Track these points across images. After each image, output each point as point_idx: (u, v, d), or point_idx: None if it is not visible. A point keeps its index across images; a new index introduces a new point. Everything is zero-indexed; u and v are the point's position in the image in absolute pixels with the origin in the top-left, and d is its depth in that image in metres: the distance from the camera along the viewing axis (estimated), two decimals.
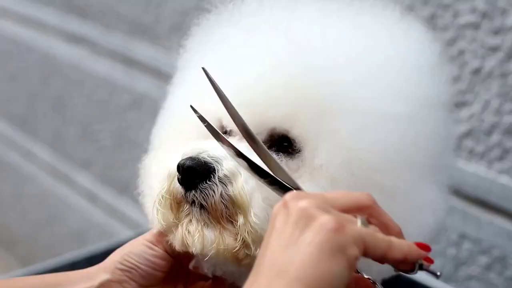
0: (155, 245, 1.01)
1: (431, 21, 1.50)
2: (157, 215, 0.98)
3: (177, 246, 0.97)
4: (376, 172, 0.94)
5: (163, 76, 2.13)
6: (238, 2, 1.05)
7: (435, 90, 1.04)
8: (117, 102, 2.44)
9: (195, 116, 1.00)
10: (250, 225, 0.91)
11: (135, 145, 2.28)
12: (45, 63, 2.79)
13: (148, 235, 1.03)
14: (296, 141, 0.96)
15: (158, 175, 1.01)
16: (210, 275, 1.02)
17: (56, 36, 2.70)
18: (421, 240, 1.00)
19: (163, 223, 0.97)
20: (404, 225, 0.96)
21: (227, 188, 0.92)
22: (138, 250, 1.01)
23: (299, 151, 0.96)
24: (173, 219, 0.97)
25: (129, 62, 2.34)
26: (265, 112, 0.95)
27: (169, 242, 0.99)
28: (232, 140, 0.97)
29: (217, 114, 0.99)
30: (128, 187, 2.47)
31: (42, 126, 2.91)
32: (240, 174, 0.92)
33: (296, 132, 0.95)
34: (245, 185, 0.92)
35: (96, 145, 2.61)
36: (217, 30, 1.05)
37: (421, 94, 1.00)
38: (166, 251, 1.01)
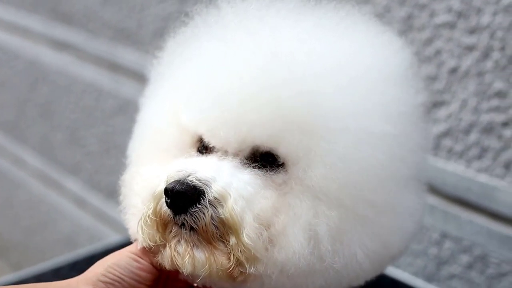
0: (140, 257, 0.99)
1: (407, 21, 1.50)
2: (143, 234, 0.96)
3: (167, 266, 0.96)
4: (366, 190, 0.94)
5: (147, 80, 2.14)
6: (214, 13, 1.04)
7: (415, 102, 1.05)
8: (103, 107, 2.44)
9: (172, 129, 0.99)
10: (243, 245, 0.91)
11: (122, 150, 2.27)
12: (32, 69, 2.79)
13: (132, 247, 1.00)
14: (281, 158, 0.95)
15: (141, 194, 1.00)
16: (200, 286, 1.01)
17: (42, 42, 2.70)
18: (403, 246, 1.03)
19: (149, 242, 0.96)
20: (391, 236, 0.99)
21: (217, 211, 0.91)
22: (123, 262, 0.98)
23: (284, 166, 0.95)
24: (159, 239, 0.95)
25: (114, 67, 2.34)
26: (250, 131, 0.93)
27: (158, 262, 0.97)
28: (214, 157, 0.97)
29: (197, 131, 0.99)
30: (116, 191, 2.45)
31: (31, 133, 2.91)
32: (230, 195, 0.91)
33: (282, 151, 0.94)
34: (235, 206, 0.90)
35: (84, 151, 2.61)
36: (194, 43, 1.03)
37: (404, 109, 1.00)
38: (152, 264, 0.99)
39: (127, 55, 2.29)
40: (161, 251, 0.96)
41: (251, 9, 1.02)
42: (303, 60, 0.94)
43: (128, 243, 1.65)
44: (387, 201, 0.97)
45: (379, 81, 0.99)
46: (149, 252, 0.98)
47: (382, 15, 1.54)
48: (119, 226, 2.45)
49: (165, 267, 0.97)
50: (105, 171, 2.52)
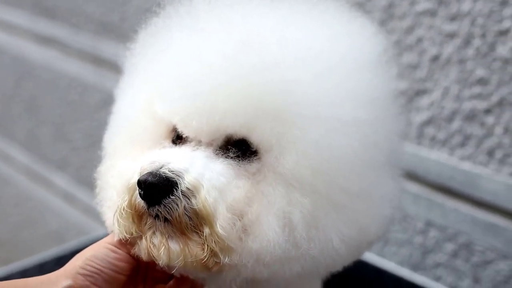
0: (118, 247, 0.99)
1: (388, 10, 1.50)
2: (119, 226, 0.96)
3: (143, 257, 0.96)
4: (340, 177, 0.94)
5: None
6: (186, 3, 1.03)
7: (388, 87, 1.04)
8: (88, 101, 2.43)
9: (147, 120, 0.99)
10: (217, 235, 0.91)
11: None
12: (17, 65, 2.78)
13: (109, 238, 1.00)
14: (254, 146, 0.95)
15: (116, 186, 1.00)
16: (178, 275, 1.01)
17: (26, 37, 2.69)
18: (380, 231, 1.03)
19: (126, 234, 0.96)
20: (367, 222, 0.99)
21: (191, 201, 0.90)
22: (100, 253, 0.98)
23: (257, 153, 0.95)
24: (135, 231, 0.95)
25: (98, 61, 2.33)
26: (222, 119, 0.93)
27: (135, 254, 0.98)
28: (187, 147, 0.96)
29: (171, 121, 0.98)
30: None
31: (17, 128, 2.90)
32: (203, 186, 0.91)
33: (255, 139, 0.94)
34: (208, 196, 0.90)
35: (70, 145, 2.60)
36: (166, 34, 1.03)
37: (377, 95, 1.00)
38: (129, 254, 0.99)
39: (111, 49, 2.28)
40: (137, 242, 0.96)
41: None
42: (275, 48, 0.94)
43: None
44: (362, 187, 0.97)
45: (352, 68, 0.98)
46: (126, 243, 0.98)
47: (363, 4, 1.53)
48: None
49: (142, 259, 0.97)
50: (92, 165, 2.50)
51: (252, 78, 0.92)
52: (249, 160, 0.96)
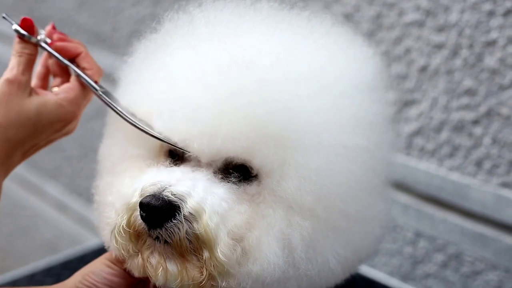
0: (114, 263, 1.01)
1: (376, 21, 1.50)
2: (116, 244, 0.96)
3: (136, 273, 0.97)
4: (340, 201, 0.95)
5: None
6: (186, 20, 1.03)
7: (384, 112, 1.05)
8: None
9: (144, 136, 0.99)
10: (216, 260, 0.91)
11: None
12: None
13: (108, 254, 1.03)
14: (255, 170, 0.95)
15: (115, 205, 1.00)
16: None
17: None
18: (371, 251, 1.06)
19: (123, 252, 0.96)
20: (361, 242, 1.01)
21: (192, 226, 0.91)
22: (97, 269, 1.01)
23: (257, 177, 0.96)
24: (132, 249, 0.96)
25: None
26: (224, 143, 0.93)
27: (127, 268, 0.99)
28: (187, 167, 0.96)
29: (169, 140, 0.98)
30: None
31: None
32: (205, 211, 0.91)
33: (256, 163, 0.94)
34: (209, 222, 0.91)
35: (63, 155, 2.60)
36: (166, 51, 1.02)
37: (375, 120, 1.01)
38: (125, 270, 1.01)
39: (103, 59, 2.27)
40: (133, 259, 0.97)
41: (223, 17, 1.01)
42: (279, 75, 0.94)
43: (104, 248, 1.65)
44: (359, 211, 0.98)
45: (352, 94, 0.99)
46: (122, 260, 0.99)
47: (351, 15, 1.53)
48: None
49: (133, 274, 0.98)
50: (84, 175, 2.52)
51: (256, 105, 0.92)
52: (249, 182, 0.96)
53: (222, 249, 0.91)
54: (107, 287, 1.00)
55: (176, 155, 1.00)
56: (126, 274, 1.01)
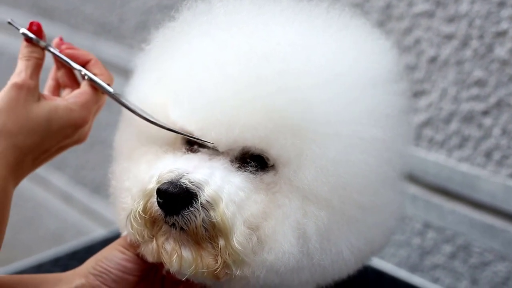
0: (126, 249, 1.02)
1: (386, 11, 1.50)
2: (131, 229, 0.97)
3: (149, 259, 0.98)
4: (355, 192, 0.95)
5: (130, 74, 2.13)
6: (204, 8, 1.03)
7: (400, 104, 1.05)
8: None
9: (159, 122, 0.99)
10: (232, 248, 0.91)
11: (107, 145, 2.26)
12: (15, 65, 2.77)
13: (121, 240, 1.03)
14: (272, 160, 0.95)
15: (131, 190, 1.00)
16: (182, 279, 1.02)
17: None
18: (384, 242, 1.06)
19: (138, 238, 0.97)
20: (374, 234, 1.01)
21: (209, 214, 0.91)
22: (109, 254, 1.02)
23: (274, 167, 0.96)
24: (147, 235, 0.96)
25: None
26: (242, 133, 0.93)
27: (140, 253, 0.99)
28: (204, 154, 0.97)
29: (186, 128, 0.97)
30: (101, 186, 2.46)
31: None
32: (222, 199, 0.91)
33: (274, 153, 0.94)
34: (226, 210, 0.91)
35: None
36: (184, 39, 1.02)
37: (391, 112, 1.01)
38: (138, 255, 1.01)
39: (109, 50, 2.28)
40: (147, 244, 0.97)
41: (243, 7, 1.01)
42: (298, 68, 0.94)
43: (111, 238, 1.66)
44: (374, 202, 0.98)
45: (369, 85, 0.99)
46: (136, 245, 1.00)
47: (361, 5, 1.53)
48: (105, 221, 2.45)
49: (146, 259, 0.99)
50: (90, 166, 2.52)
51: (275, 95, 0.92)
52: (265, 171, 0.96)
53: (238, 238, 0.91)
54: (120, 273, 1.01)
55: (193, 142, 1.00)
56: (139, 260, 1.01)
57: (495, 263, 1.46)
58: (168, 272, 0.98)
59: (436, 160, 1.49)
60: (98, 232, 2.13)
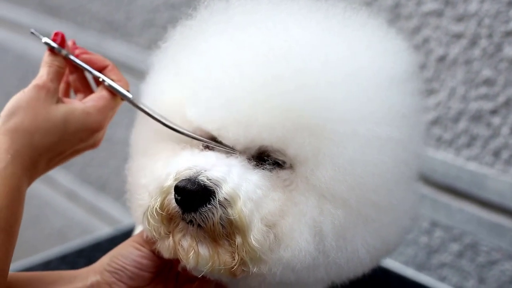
0: (142, 245, 1.02)
1: (395, 10, 1.50)
2: (148, 226, 0.97)
3: (165, 255, 0.98)
4: (372, 191, 0.96)
5: (136, 73, 2.12)
6: (222, 7, 1.03)
7: (417, 104, 1.06)
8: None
9: (176, 119, 0.99)
10: (249, 246, 0.92)
11: (113, 142, 2.28)
12: (21, 63, 2.78)
13: (136, 237, 1.04)
14: (289, 158, 0.96)
15: (148, 187, 1.00)
16: (198, 275, 1.02)
17: (31, 36, 2.68)
18: (398, 241, 1.07)
19: (155, 234, 0.97)
20: (389, 233, 1.01)
21: (227, 211, 0.91)
22: (125, 251, 1.02)
23: (291, 165, 0.96)
24: (163, 231, 0.96)
25: None
26: (259, 132, 0.93)
27: (156, 249, 1.00)
28: (221, 153, 0.97)
29: (203, 127, 0.98)
30: (107, 184, 2.46)
31: None
32: (239, 197, 0.92)
33: (291, 152, 0.95)
34: (244, 208, 0.91)
35: None
36: (201, 37, 1.02)
37: (407, 112, 1.01)
38: (153, 252, 1.02)
39: (115, 48, 2.28)
40: (164, 241, 0.97)
41: (261, 7, 1.02)
42: (317, 67, 0.94)
43: (118, 235, 1.66)
44: (390, 202, 0.98)
45: (386, 86, 0.99)
46: (152, 241, 1.00)
47: (370, 4, 1.53)
48: (111, 220, 2.45)
49: (162, 256, 0.99)
50: (96, 164, 2.52)
51: (292, 95, 0.92)
52: (282, 169, 0.96)
53: (255, 235, 0.91)
54: (136, 269, 1.01)
55: (210, 139, 1.00)
56: (155, 256, 1.02)
57: (502, 262, 1.46)
58: (183, 268, 0.99)
59: (444, 159, 1.49)
60: (104, 230, 2.13)
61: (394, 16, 1.50)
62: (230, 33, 0.99)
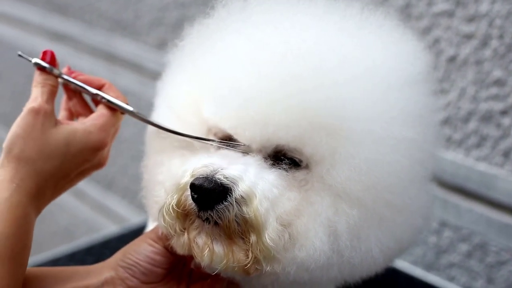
0: (156, 242, 1.03)
1: (405, 10, 1.50)
2: (164, 223, 0.98)
3: (179, 251, 0.98)
4: (387, 192, 0.96)
5: (144, 71, 2.13)
6: (240, 6, 1.03)
7: (432, 105, 1.06)
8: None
9: (192, 118, 1.00)
10: (263, 244, 0.92)
11: (120, 141, 2.28)
12: (26, 64, 2.78)
13: (150, 233, 1.05)
14: (305, 158, 0.96)
15: (164, 184, 1.01)
16: (211, 273, 1.03)
17: (39, 34, 2.69)
18: (412, 241, 1.07)
19: (170, 231, 0.97)
20: (403, 232, 1.01)
21: (242, 209, 0.92)
22: (138, 247, 1.03)
23: (307, 165, 0.96)
24: (179, 228, 0.97)
25: (111, 58, 2.34)
26: (276, 132, 0.94)
27: (170, 246, 1.00)
28: (237, 151, 0.97)
29: (220, 126, 0.98)
30: (114, 183, 2.47)
31: None
32: (255, 195, 0.92)
33: (307, 151, 0.95)
34: (259, 206, 0.91)
35: None
36: (218, 36, 1.03)
37: (423, 113, 1.02)
38: (166, 248, 1.02)
39: (124, 46, 2.28)
40: (179, 238, 0.98)
41: (278, 7, 1.02)
42: (333, 65, 0.94)
43: (127, 234, 1.66)
44: (405, 202, 0.99)
45: (401, 86, 1.00)
46: (166, 237, 1.01)
47: (381, 4, 1.53)
48: (117, 218, 2.45)
49: (176, 251, 0.99)
50: None
51: (309, 94, 0.93)
52: (298, 169, 0.96)
53: (270, 234, 0.91)
54: (149, 265, 1.02)
55: (226, 137, 1.00)
56: (168, 253, 1.02)
57: (511, 262, 1.46)
58: (197, 266, 0.99)
59: (453, 159, 1.49)
60: (111, 228, 2.13)
61: (405, 16, 1.50)
62: (247, 32, 0.99)
